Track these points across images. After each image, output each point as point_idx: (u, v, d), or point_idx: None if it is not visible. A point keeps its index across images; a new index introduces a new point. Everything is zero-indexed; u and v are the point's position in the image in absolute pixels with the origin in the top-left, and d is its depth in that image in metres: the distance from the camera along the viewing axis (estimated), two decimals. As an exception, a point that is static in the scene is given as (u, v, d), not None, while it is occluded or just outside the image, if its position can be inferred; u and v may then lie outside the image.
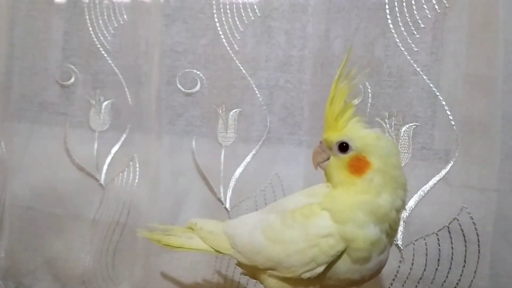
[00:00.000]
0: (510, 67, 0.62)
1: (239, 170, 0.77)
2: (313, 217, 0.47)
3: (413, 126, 0.66)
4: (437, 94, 0.64)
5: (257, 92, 0.76)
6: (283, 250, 0.48)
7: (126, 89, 0.83)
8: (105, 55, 0.85)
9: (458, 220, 0.65)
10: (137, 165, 0.84)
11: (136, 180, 0.83)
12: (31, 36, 0.88)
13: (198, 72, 0.80)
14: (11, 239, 0.90)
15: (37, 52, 0.88)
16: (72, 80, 0.87)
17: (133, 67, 0.83)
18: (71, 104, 0.87)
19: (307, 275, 0.47)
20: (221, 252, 0.55)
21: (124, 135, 0.84)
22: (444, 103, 0.64)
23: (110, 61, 0.84)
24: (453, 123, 0.64)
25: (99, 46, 0.84)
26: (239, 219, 0.58)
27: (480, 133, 0.63)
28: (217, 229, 0.56)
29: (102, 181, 0.85)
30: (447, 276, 0.66)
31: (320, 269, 0.46)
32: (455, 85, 0.64)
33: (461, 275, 0.65)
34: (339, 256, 0.46)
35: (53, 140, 0.88)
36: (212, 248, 0.55)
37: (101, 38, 0.84)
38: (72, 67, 0.87)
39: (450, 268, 0.66)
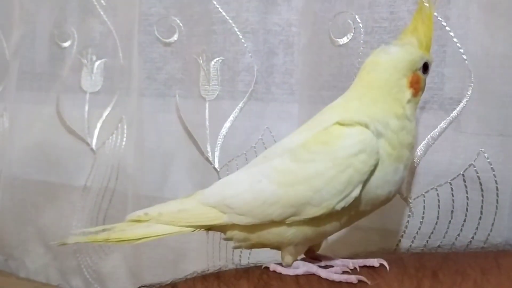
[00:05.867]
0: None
1: (226, 126, 0.70)
2: (336, 140, 0.43)
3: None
4: (444, 24, 0.55)
5: (241, 37, 0.67)
6: (310, 188, 0.43)
7: (119, 47, 0.76)
8: (101, 12, 0.78)
9: (474, 167, 0.57)
10: (125, 127, 0.78)
11: (124, 143, 0.77)
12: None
13: (175, 18, 0.71)
14: (1, 210, 0.87)
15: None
16: (70, 42, 0.82)
17: (124, 22, 0.75)
18: (65, 65, 0.83)
19: (341, 204, 0.42)
20: (205, 226, 0.49)
21: (116, 97, 0.79)
22: (452, 34, 0.54)
23: (105, 18, 0.78)
24: (465, 57, 0.55)
25: (95, 3, 0.78)
26: (218, 184, 0.51)
27: (497, 68, 0.54)
28: (188, 205, 0.49)
29: (93, 146, 0.81)
30: (461, 230, 0.59)
31: (357, 191, 0.42)
32: (466, 14, 0.54)
33: (477, 228, 0.58)
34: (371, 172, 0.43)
35: (45, 105, 0.84)
36: (190, 226, 0.48)
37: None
38: (72, 28, 0.81)
39: (464, 221, 0.59)
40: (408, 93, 0.45)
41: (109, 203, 0.79)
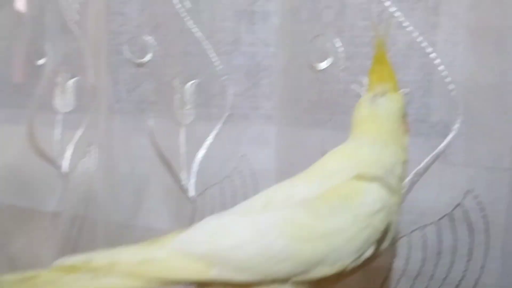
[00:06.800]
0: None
1: (201, 152, 0.66)
2: (357, 196, 0.41)
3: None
4: (429, 51, 0.50)
5: (215, 59, 0.63)
6: (327, 245, 0.39)
7: (90, 66, 0.72)
8: (74, 27, 0.74)
9: (462, 206, 0.53)
10: (96, 150, 0.74)
11: (94, 167, 0.73)
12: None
13: (148, 38, 0.67)
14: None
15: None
16: (45, 59, 0.77)
17: (95, 39, 0.72)
18: (39, 84, 0.77)
19: (353, 264, 0.40)
20: (183, 281, 0.40)
21: (88, 117, 0.75)
22: (437, 62, 0.50)
23: (78, 34, 0.73)
24: (450, 87, 0.50)
25: (68, 18, 0.74)
26: (202, 230, 0.43)
27: (487, 99, 0.50)
28: (157, 254, 0.40)
29: (64, 169, 0.77)
30: (449, 272, 0.55)
31: (370, 251, 0.41)
32: (453, 40, 0.50)
33: (465, 271, 0.54)
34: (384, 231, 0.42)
35: (18, 125, 0.79)
36: (160, 280, 0.40)
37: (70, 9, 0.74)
38: (46, 45, 0.77)
39: (452, 263, 0.55)
40: (407, 138, 0.46)
41: (79, 232, 0.74)
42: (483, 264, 0.53)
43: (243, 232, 0.40)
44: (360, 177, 0.41)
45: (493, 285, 0.53)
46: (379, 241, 0.41)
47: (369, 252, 0.40)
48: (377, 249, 0.41)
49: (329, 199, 0.40)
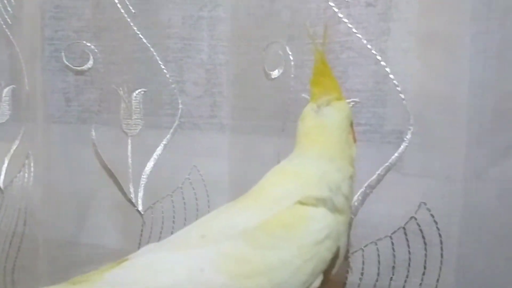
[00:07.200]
0: (480, 22, 0.46)
1: (150, 164, 0.63)
2: (301, 224, 0.38)
3: (351, 103, 0.50)
4: (379, 58, 0.48)
5: (162, 66, 0.60)
6: (269, 280, 0.36)
7: (25, 73, 0.68)
8: (6, 30, 0.70)
9: (416, 219, 0.51)
10: (32, 164, 0.69)
11: (31, 182, 0.69)
12: None
13: (89, 44, 0.63)
14: None
15: None
16: None
17: (29, 45, 0.68)
18: None
19: None
20: None
21: (23, 128, 0.71)
22: (388, 70, 0.48)
23: (12, 38, 0.69)
24: (402, 96, 0.49)
25: (1, 21, 0.70)
26: (131, 267, 0.38)
27: (439, 109, 0.48)
28: None
29: (0, 184, 0.73)
30: (404, 286, 0.53)
31: (318, 282, 0.38)
32: (403, 47, 0.48)
33: (420, 284, 0.52)
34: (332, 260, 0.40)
35: None
36: None
37: (2, 10, 0.70)
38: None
39: (407, 277, 0.53)
40: (355, 148, 0.44)
41: (18, 251, 0.70)
42: (438, 278, 0.52)
43: (178, 269, 0.37)
44: (304, 201, 0.38)
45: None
46: (328, 269, 0.38)
47: (317, 283, 0.38)
48: (325, 277, 0.38)
49: (271, 229, 0.37)
